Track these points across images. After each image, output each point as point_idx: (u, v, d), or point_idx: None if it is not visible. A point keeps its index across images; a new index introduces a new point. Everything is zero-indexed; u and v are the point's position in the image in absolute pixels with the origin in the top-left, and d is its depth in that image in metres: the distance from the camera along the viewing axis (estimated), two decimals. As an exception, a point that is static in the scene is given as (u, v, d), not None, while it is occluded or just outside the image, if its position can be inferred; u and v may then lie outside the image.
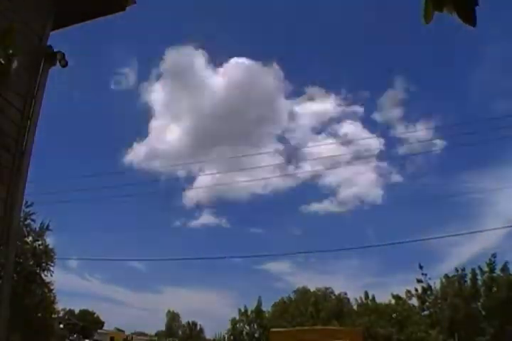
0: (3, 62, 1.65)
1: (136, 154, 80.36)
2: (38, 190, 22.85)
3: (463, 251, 52.31)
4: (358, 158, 46.45)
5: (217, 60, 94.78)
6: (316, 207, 76.09)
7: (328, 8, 77.49)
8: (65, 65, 5.47)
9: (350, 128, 67.00)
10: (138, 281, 75.98)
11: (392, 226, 63.03)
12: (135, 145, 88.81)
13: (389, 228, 61.24)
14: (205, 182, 57.78)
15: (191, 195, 68.07)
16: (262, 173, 71.87)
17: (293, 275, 68.81)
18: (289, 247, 71.25)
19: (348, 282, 63.70)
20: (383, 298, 38.38)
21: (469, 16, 1.26)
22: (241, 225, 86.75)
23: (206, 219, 76.83)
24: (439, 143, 46.14)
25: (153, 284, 77.05)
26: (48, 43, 5.46)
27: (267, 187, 63.57)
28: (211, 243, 70.33)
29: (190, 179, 74.57)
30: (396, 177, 66.55)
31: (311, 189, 67.02)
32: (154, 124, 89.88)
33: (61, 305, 36.47)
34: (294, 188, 68.52)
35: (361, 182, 68.95)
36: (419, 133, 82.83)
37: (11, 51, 1.67)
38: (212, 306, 70.28)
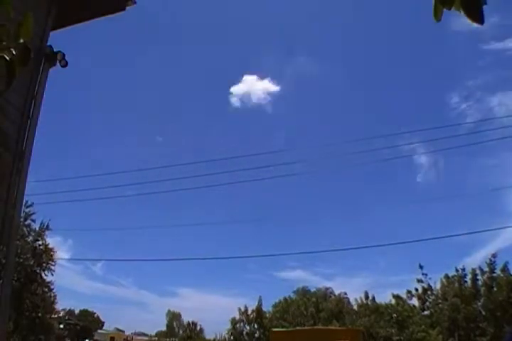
0: (15, 52, 1.62)
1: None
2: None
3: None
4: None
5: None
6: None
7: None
8: (65, 65, 5.46)
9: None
10: (145, 280, 76.33)
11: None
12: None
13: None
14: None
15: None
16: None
17: (305, 276, 68.32)
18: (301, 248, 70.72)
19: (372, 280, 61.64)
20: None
21: (476, 14, 1.27)
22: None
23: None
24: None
25: (162, 284, 77.15)
26: (48, 43, 5.45)
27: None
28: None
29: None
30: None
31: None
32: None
33: (61, 305, 36.49)
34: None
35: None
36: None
37: (21, 40, 1.64)
38: (220, 307, 70.02)
